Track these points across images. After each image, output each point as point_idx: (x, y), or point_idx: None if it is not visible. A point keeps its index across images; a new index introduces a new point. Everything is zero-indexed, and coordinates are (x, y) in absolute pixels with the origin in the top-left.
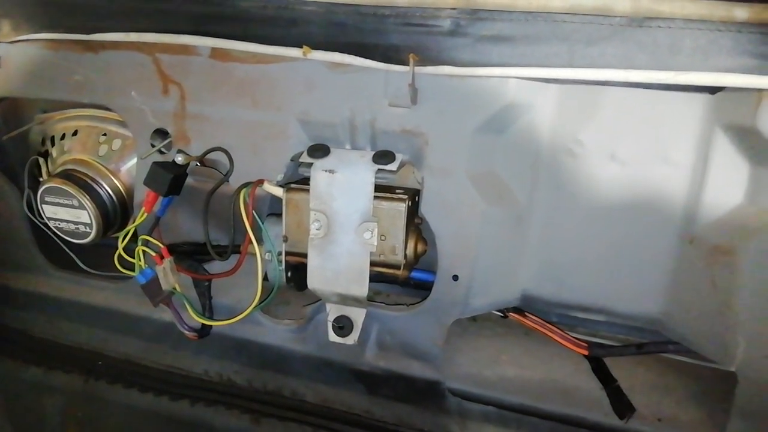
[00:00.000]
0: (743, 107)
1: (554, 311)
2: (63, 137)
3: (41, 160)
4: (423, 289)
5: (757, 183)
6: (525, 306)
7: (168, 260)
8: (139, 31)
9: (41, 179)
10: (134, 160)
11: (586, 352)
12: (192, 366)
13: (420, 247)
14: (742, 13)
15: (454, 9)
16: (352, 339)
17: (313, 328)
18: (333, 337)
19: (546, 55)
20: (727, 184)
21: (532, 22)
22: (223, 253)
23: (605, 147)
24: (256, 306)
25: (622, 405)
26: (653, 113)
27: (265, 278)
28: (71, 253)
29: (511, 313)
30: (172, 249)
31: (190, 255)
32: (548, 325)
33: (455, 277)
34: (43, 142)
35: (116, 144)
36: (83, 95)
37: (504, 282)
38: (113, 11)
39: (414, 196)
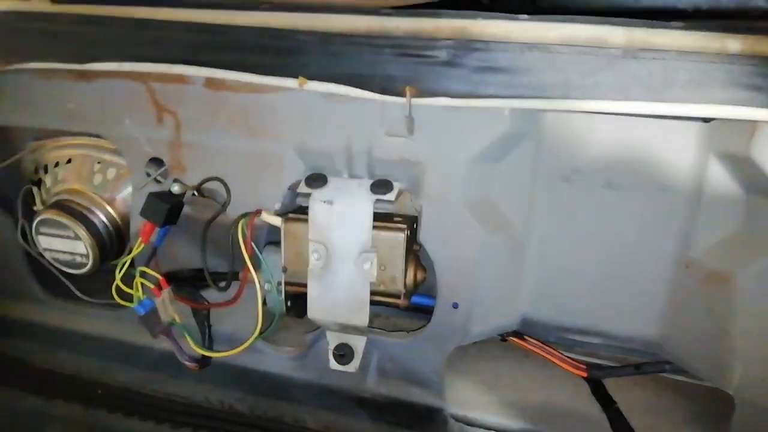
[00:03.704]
0: (737, 136)
1: (553, 334)
2: (56, 165)
3: (35, 189)
4: (422, 312)
5: (751, 210)
6: (524, 329)
7: (167, 291)
8: (132, 60)
9: (35, 208)
10: (129, 189)
11: (585, 374)
12: (193, 394)
13: (419, 275)
14: (735, 45)
15: (450, 40)
16: (353, 366)
17: (313, 356)
18: (334, 365)
19: (542, 86)
20: (722, 210)
21: (527, 54)
22: (222, 283)
23: (601, 174)
24: (257, 337)
25: (621, 428)
26: (648, 141)
27: (264, 303)
28: (68, 283)
29: (510, 338)
30: (170, 276)
31: (188, 282)
32: (547, 348)
33: (455, 305)
34: (36, 171)
35: (111, 173)
36: (76, 124)
37: (503, 308)
38: (106, 40)
39: (412, 223)
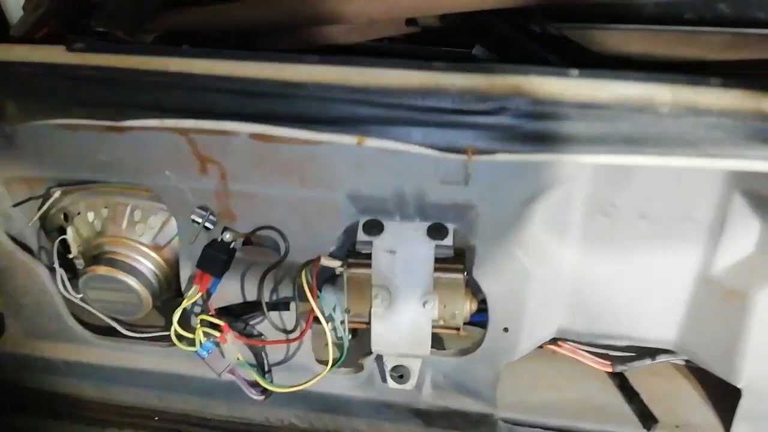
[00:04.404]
0: (762, 179)
1: (584, 339)
2: (90, 211)
3: (68, 239)
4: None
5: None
6: (558, 336)
7: (230, 334)
8: (170, 110)
9: (71, 256)
10: (174, 232)
11: (610, 369)
12: (252, 415)
13: (474, 306)
14: None
15: (505, 97)
16: (410, 384)
17: (370, 375)
18: (392, 384)
19: (593, 141)
20: (741, 238)
21: (579, 111)
22: (290, 328)
23: (636, 209)
24: (328, 370)
25: (646, 417)
26: (681, 180)
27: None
28: (117, 326)
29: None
30: (220, 312)
31: (238, 316)
32: (578, 350)
33: (506, 329)
34: (66, 218)
35: (153, 221)
36: (111, 175)
37: (546, 325)
38: (141, 94)
39: (463, 258)
